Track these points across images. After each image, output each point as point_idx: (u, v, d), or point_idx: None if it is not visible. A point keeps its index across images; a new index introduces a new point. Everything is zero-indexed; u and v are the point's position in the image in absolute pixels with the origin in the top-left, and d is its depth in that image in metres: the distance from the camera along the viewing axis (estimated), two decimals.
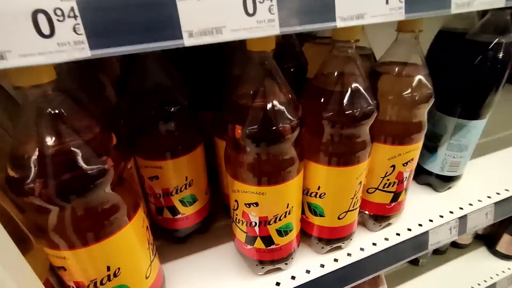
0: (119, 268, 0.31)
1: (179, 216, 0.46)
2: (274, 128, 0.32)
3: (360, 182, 0.41)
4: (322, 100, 0.36)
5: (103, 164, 0.27)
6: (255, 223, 0.38)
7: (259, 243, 0.40)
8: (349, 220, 0.44)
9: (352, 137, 0.37)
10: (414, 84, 0.40)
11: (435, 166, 0.58)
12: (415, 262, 0.90)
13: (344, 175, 0.39)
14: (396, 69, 0.41)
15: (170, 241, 0.51)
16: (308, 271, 0.46)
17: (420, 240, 0.53)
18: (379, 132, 0.42)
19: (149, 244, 0.36)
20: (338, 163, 0.38)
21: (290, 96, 0.34)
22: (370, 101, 0.36)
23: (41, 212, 0.27)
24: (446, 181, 0.59)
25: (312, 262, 0.47)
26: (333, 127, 0.36)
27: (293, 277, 0.45)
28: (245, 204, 0.37)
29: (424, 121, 0.43)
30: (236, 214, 0.39)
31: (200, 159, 0.45)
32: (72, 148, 0.26)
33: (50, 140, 0.25)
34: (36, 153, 0.25)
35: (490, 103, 0.50)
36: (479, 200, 0.58)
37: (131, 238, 0.32)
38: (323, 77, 0.37)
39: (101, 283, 0.31)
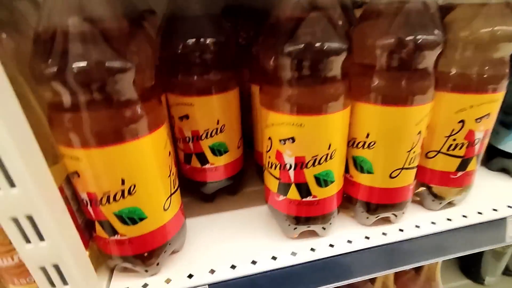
0: (134, 186, 0.28)
1: (207, 165, 0.43)
2: (318, 46, 0.28)
3: (420, 133, 0.34)
4: (379, 24, 0.31)
5: (126, 59, 0.25)
6: (290, 166, 0.33)
7: (293, 192, 0.34)
8: (403, 182, 0.36)
9: (411, 69, 0.31)
10: (494, 14, 0.33)
11: None
12: (479, 279, 0.75)
13: (400, 117, 0.32)
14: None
15: (197, 198, 0.48)
16: (349, 241, 0.39)
17: (494, 228, 0.42)
18: (445, 76, 0.35)
19: (170, 173, 0.32)
20: (393, 101, 0.32)
21: (337, 19, 0.29)
22: (434, 29, 0.30)
23: (60, 104, 0.25)
24: None
25: (355, 233, 0.40)
26: (389, 53, 0.30)
27: (331, 245, 0.38)
28: (280, 141, 0.32)
29: (506, 62, 0.35)
30: (269, 157, 0.35)
31: (234, 105, 0.42)
32: (96, 36, 0.24)
33: (73, 24, 0.23)
34: (60, 36, 0.24)
35: None
36: None
37: (149, 154, 0.29)
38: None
39: (114, 199, 0.28)
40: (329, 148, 0.32)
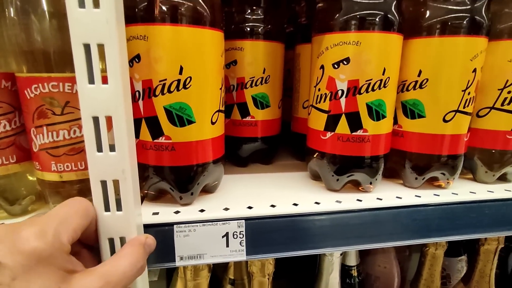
0: (190, 78, 0.28)
1: (248, 118, 0.42)
2: None
3: (475, 71, 0.33)
4: None
5: None
6: (342, 92, 0.32)
7: (343, 125, 0.33)
8: (457, 129, 0.34)
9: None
10: None
11: None
12: None
13: (452, 49, 0.32)
14: None
15: (231, 163, 0.46)
16: (399, 197, 0.35)
17: None
18: (496, 25, 0.36)
19: (222, 87, 0.32)
20: (444, 31, 0.32)
21: None
22: None
23: None
24: None
25: (404, 191, 0.37)
26: None
27: (379, 198, 0.35)
28: (333, 65, 0.32)
29: None
30: (319, 89, 0.34)
31: (279, 58, 0.43)
32: None
33: None
34: None
35: None
36: None
37: (210, 49, 0.29)
38: None
39: (169, 90, 0.28)
40: (383, 74, 0.32)
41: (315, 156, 0.36)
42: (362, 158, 0.34)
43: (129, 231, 0.25)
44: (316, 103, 0.35)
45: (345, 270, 0.52)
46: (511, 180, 0.41)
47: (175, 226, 0.30)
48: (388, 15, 0.31)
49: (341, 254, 0.44)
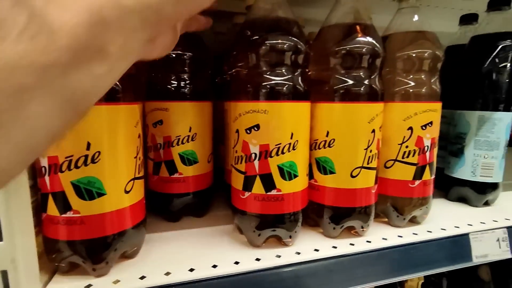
0: (99, 153, 0.28)
1: (176, 175, 0.43)
2: (282, 38, 0.33)
3: (374, 131, 0.37)
4: (331, 36, 0.38)
5: None
6: (255, 155, 0.34)
7: (258, 186, 0.35)
8: (364, 182, 0.38)
9: (356, 72, 0.36)
10: (419, 41, 0.41)
11: (465, 171, 0.51)
12: None
13: (352, 114, 0.36)
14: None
15: (161, 218, 0.45)
16: (316, 250, 0.37)
17: (459, 245, 0.43)
18: (390, 90, 0.41)
19: (137, 156, 0.33)
20: (343, 98, 0.36)
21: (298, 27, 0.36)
22: (376, 43, 0.37)
23: None
24: (481, 191, 0.51)
25: (322, 243, 0.39)
26: (336, 57, 0.36)
27: (297, 253, 0.37)
28: (246, 130, 0.34)
29: (436, 80, 0.42)
30: (236, 151, 0.36)
31: (207, 117, 0.45)
32: None
33: None
34: None
35: (509, 91, 0.48)
36: None
37: (121, 123, 0.30)
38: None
39: (76, 165, 0.28)
40: (291, 137, 0.34)
41: (237, 213, 0.38)
42: (279, 215, 0.36)
43: None
44: (235, 164, 0.37)
45: None
46: (420, 222, 0.45)
47: None
48: (294, 86, 0.34)
49: None
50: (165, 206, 0.44)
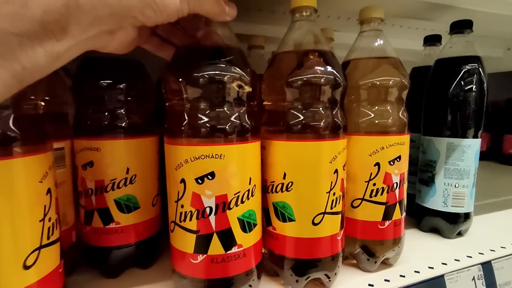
0: None
1: (112, 225, 0.36)
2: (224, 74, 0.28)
3: (336, 172, 0.33)
4: (285, 64, 0.33)
5: None
6: (210, 209, 0.29)
7: (215, 246, 0.29)
8: (328, 230, 0.33)
9: (314, 105, 0.32)
10: (383, 67, 0.37)
11: (436, 201, 0.48)
12: None
13: (311, 153, 0.32)
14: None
15: (99, 274, 0.38)
16: None
17: (434, 287, 0.39)
18: (354, 121, 0.37)
19: (44, 217, 0.26)
20: (300, 136, 0.32)
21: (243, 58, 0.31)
22: (336, 72, 0.33)
23: None
24: (453, 221, 0.48)
25: None
26: (290, 88, 0.32)
27: None
28: (197, 180, 0.29)
29: (403, 110, 0.38)
30: (182, 206, 0.30)
31: (150, 153, 0.39)
32: None
33: None
34: None
35: (476, 117, 0.46)
36: (502, 247, 0.46)
37: (10, 181, 0.23)
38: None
39: None
40: (250, 183, 0.29)
41: (184, 280, 0.31)
42: (239, 276, 0.30)
43: None
44: (181, 222, 0.30)
45: None
46: (393, 263, 0.41)
47: None
48: (244, 125, 0.29)
49: None
50: (102, 260, 0.38)
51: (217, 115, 0.28)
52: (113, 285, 0.37)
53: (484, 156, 1.18)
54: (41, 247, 0.26)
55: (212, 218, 0.29)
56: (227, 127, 0.29)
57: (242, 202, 0.29)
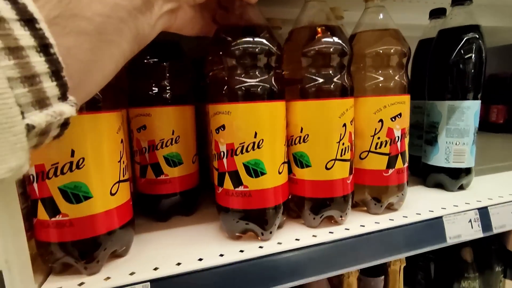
0: (83, 159, 0.30)
1: (162, 177, 0.45)
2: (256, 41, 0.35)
3: (345, 125, 0.40)
4: (300, 37, 0.40)
5: None
6: (223, 153, 0.37)
7: (227, 182, 0.37)
8: (339, 174, 0.40)
9: (325, 70, 0.39)
10: (385, 38, 0.43)
11: (439, 158, 0.54)
12: None
13: (323, 110, 0.39)
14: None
15: (151, 220, 0.47)
16: (297, 239, 0.40)
17: (434, 227, 0.45)
18: (360, 85, 0.43)
19: (121, 160, 0.34)
20: (314, 96, 0.39)
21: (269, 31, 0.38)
22: (342, 43, 0.39)
23: None
24: (455, 176, 0.54)
25: (303, 233, 0.41)
26: (305, 57, 0.39)
27: (279, 243, 0.39)
28: (215, 131, 0.37)
29: (403, 74, 0.44)
30: (212, 150, 0.38)
31: (189, 120, 0.47)
32: None
33: None
34: None
35: (475, 79, 0.50)
36: (500, 196, 0.52)
37: (103, 131, 0.32)
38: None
39: (62, 171, 0.30)
40: (255, 136, 0.36)
41: (216, 206, 0.40)
42: (248, 210, 0.37)
43: None
44: (213, 161, 0.39)
45: None
46: (397, 208, 0.48)
47: None
48: (255, 88, 0.35)
49: None
50: (154, 207, 0.46)
51: (239, 79, 0.35)
52: (163, 226, 0.46)
53: (500, 128, 1.21)
54: (120, 181, 0.34)
55: (224, 160, 0.37)
56: (233, 90, 0.35)
57: (247, 151, 0.36)
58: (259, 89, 0.35)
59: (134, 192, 0.48)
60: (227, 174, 0.37)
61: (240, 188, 0.37)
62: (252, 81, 0.35)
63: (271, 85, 0.36)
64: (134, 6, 0.24)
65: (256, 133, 0.35)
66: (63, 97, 0.19)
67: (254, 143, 0.36)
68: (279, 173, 0.38)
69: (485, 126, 1.21)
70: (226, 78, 0.36)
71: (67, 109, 0.19)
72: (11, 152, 0.16)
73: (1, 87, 0.15)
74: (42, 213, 0.31)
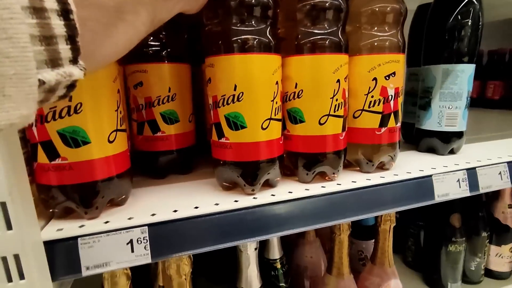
0: (81, 104, 0.31)
1: (159, 134, 0.45)
2: None
3: (339, 81, 0.40)
4: None
5: None
6: (211, 106, 0.38)
7: (214, 133, 0.39)
8: (332, 129, 0.41)
9: (320, 26, 0.39)
10: None
11: (432, 122, 0.55)
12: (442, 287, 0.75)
13: (317, 65, 0.39)
14: None
15: (148, 177, 0.49)
16: (290, 192, 0.41)
17: (422, 185, 0.47)
18: (355, 44, 0.43)
19: (118, 109, 0.35)
20: (309, 51, 0.39)
21: None
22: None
23: None
24: (447, 140, 0.55)
25: (296, 187, 0.43)
26: (300, 12, 0.39)
27: (273, 195, 0.40)
28: (206, 84, 0.38)
29: (398, 33, 0.44)
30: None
31: (185, 78, 0.47)
32: None
33: None
34: None
35: (470, 44, 0.51)
36: (488, 159, 0.53)
37: (94, 77, 0.32)
38: None
39: (60, 115, 0.30)
40: (235, 89, 0.36)
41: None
42: (230, 162, 0.39)
43: (23, 249, 0.27)
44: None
45: (269, 263, 0.57)
46: (389, 168, 0.49)
47: (79, 239, 0.32)
48: (238, 40, 0.35)
49: (256, 249, 0.48)
50: (151, 164, 0.48)
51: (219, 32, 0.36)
52: (160, 183, 0.47)
53: (496, 104, 1.22)
54: (117, 130, 0.35)
55: (212, 112, 0.39)
56: (218, 42, 0.36)
57: (228, 103, 0.36)
58: (236, 42, 0.35)
59: (131, 151, 0.48)
60: (213, 125, 0.38)
61: (222, 140, 0.38)
62: (233, 35, 0.35)
63: (253, 39, 0.35)
64: None
65: (235, 86, 0.36)
66: (74, 61, 0.20)
67: (234, 95, 0.36)
68: (263, 128, 0.38)
69: (481, 102, 1.21)
70: (210, 33, 0.36)
71: (76, 71, 0.20)
72: (24, 101, 0.17)
73: (25, 41, 0.16)
74: (42, 157, 0.32)
